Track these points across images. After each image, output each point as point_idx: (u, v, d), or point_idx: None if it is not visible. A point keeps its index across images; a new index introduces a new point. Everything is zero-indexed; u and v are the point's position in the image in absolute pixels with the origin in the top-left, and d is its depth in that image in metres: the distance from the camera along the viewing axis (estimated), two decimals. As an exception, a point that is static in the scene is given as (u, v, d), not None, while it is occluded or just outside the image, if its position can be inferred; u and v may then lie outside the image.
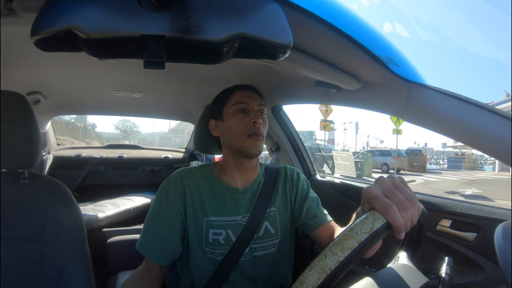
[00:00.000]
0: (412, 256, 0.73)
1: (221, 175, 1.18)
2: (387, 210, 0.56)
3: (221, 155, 1.23)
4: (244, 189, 1.16)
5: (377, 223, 0.55)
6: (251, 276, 1.12)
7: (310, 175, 1.93)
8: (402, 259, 0.70)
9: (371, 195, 0.59)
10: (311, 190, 1.26)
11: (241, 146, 1.10)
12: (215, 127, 1.19)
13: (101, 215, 2.21)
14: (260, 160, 1.28)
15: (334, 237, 0.56)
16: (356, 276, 0.61)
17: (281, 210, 1.19)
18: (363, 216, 0.56)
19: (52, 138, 2.99)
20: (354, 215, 0.73)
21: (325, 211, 1.22)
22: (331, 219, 1.19)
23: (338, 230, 1.12)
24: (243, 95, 1.14)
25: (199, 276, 1.10)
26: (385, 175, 0.65)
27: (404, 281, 0.62)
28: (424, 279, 0.63)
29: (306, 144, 1.97)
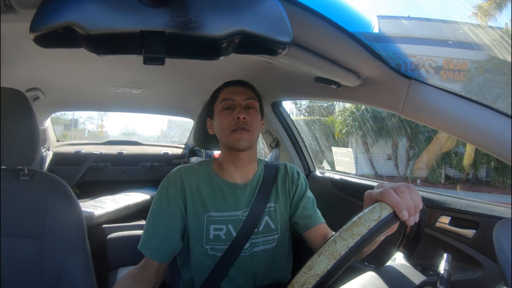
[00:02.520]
0: (410, 254, 0.73)
1: (219, 171, 1.18)
2: (383, 193, 0.61)
3: (220, 151, 1.23)
4: (244, 184, 1.17)
5: (385, 212, 0.57)
6: (251, 271, 1.12)
7: (309, 171, 1.93)
8: (399, 259, 0.71)
9: (369, 193, 0.65)
10: (308, 190, 1.26)
11: (228, 142, 1.12)
12: (211, 126, 1.21)
13: (100, 211, 2.21)
14: (259, 157, 1.28)
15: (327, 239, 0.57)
16: (355, 272, 0.62)
17: (281, 206, 1.19)
18: (371, 207, 0.58)
19: (51, 134, 2.98)
20: None
21: (319, 213, 1.22)
22: (324, 221, 1.20)
23: (331, 233, 1.13)
24: (229, 92, 1.15)
25: (199, 273, 1.10)
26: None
27: (401, 280, 0.62)
28: (421, 277, 0.63)
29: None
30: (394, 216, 0.58)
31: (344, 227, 0.55)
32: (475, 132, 0.78)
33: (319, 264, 0.51)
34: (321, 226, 1.18)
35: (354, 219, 0.56)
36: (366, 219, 0.55)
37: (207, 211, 1.11)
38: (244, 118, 1.09)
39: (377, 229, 0.54)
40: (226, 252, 1.09)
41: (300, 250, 1.45)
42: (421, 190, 1.30)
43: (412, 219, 0.62)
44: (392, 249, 0.76)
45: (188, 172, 1.16)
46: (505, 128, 0.72)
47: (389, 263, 0.71)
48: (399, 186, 0.64)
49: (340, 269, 0.51)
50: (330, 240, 0.54)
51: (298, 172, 1.27)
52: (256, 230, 1.13)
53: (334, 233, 1.08)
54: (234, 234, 1.11)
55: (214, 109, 1.17)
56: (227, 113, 1.12)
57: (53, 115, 2.84)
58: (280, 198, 1.20)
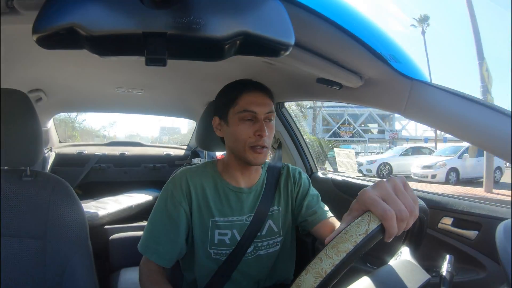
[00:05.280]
0: (416, 248, 0.73)
1: (224, 174, 1.16)
2: (386, 217, 0.54)
3: (223, 152, 1.22)
4: (248, 188, 1.15)
5: (373, 224, 0.54)
6: (254, 274, 1.12)
7: (312, 172, 1.93)
8: (404, 254, 0.70)
9: (369, 199, 0.57)
10: (312, 188, 1.25)
11: (243, 156, 1.07)
12: (219, 126, 1.14)
13: (103, 212, 2.22)
14: None
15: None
16: (357, 274, 0.61)
17: (283, 209, 1.19)
18: (359, 218, 0.55)
19: (54, 135, 2.99)
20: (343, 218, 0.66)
21: (326, 208, 1.21)
22: (332, 215, 1.18)
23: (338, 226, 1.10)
24: (251, 101, 1.06)
25: (202, 275, 1.10)
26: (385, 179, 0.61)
27: (405, 278, 0.61)
28: (426, 276, 0.63)
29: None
30: (382, 229, 0.54)
31: (330, 243, 0.54)
32: (477, 132, 0.77)
33: (306, 282, 0.51)
34: (328, 220, 1.16)
35: (341, 233, 0.53)
36: (353, 234, 0.53)
37: (212, 215, 1.09)
38: (266, 135, 1.04)
39: (364, 244, 0.52)
40: (230, 255, 1.08)
41: (303, 249, 1.45)
42: (423, 191, 1.30)
43: (403, 226, 0.56)
44: (394, 249, 0.75)
45: (193, 175, 1.13)
46: (506, 127, 0.72)
47: (393, 258, 0.70)
48: (403, 212, 0.55)
49: (327, 286, 0.51)
50: (316, 257, 0.53)
51: (299, 172, 1.26)
52: (259, 233, 1.12)
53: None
54: (239, 238, 1.10)
55: (229, 113, 1.08)
56: (247, 125, 1.05)
57: (92, 129, 2.87)
58: (282, 201, 1.19)
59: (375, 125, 30.52)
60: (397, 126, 30.38)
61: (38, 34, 0.52)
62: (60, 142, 3.13)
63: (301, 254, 1.30)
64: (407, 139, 27.06)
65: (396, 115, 27.60)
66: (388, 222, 0.54)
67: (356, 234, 0.53)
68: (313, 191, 1.24)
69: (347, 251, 0.52)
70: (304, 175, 1.27)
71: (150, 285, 1.03)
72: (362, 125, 29.60)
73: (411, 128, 29.68)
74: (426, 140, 25.28)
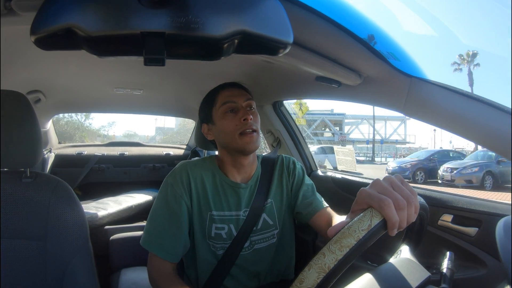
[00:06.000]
0: (416, 246, 0.73)
1: (222, 169, 1.17)
2: (383, 205, 0.54)
3: None
4: (245, 184, 1.16)
5: (375, 220, 0.54)
6: (253, 269, 1.13)
7: (311, 171, 1.93)
8: (404, 253, 0.70)
9: (367, 194, 0.58)
10: (306, 177, 1.25)
11: (236, 146, 1.10)
12: (208, 131, 1.19)
13: (103, 212, 2.21)
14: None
15: (332, 224, 0.55)
16: (358, 271, 0.61)
17: (277, 201, 1.19)
18: (361, 214, 0.55)
19: (53, 136, 2.98)
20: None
21: (321, 198, 1.21)
22: (327, 205, 1.19)
23: (335, 216, 1.10)
24: (228, 94, 1.13)
25: (204, 270, 1.10)
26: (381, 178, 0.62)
27: (405, 276, 0.61)
28: (426, 273, 0.63)
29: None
30: (385, 224, 0.54)
31: (334, 238, 0.53)
32: (476, 128, 0.77)
33: (309, 278, 0.51)
34: (324, 211, 1.16)
35: (343, 229, 0.53)
36: (356, 229, 0.53)
37: (210, 209, 1.11)
38: (250, 119, 1.08)
39: (367, 239, 0.52)
40: (227, 250, 1.09)
41: (303, 248, 1.45)
42: (424, 189, 1.30)
43: (403, 215, 0.56)
44: (395, 246, 0.75)
45: (193, 167, 1.14)
46: (505, 124, 0.72)
47: (393, 257, 0.70)
48: (399, 200, 0.56)
49: (330, 282, 0.51)
50: (319, 252, 0.53)
51: (294, 162, 1.27)
52: (254, 228, 1.13)
53: (338, 216, 1.07)
54: (235, 233, 1.11)
55: (213, 113, 1.14)
56: (230, 116, 1.10)
57: (94, 129, 2.87)
58: (276, 193, 1.20)
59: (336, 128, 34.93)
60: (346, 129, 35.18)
61: (36, 35, 0.52)
62: (59, 143, 3.13)
63: (301, 252, 1.30)
64: (353, 142, 31.06)
65: (346, 120, 33.42)
66: (387, 210, 0.54)
67: (359, 229, 0.53)
68: (308, 180, 1.25)
69: (350, 246, 0.51)
70: (298, 165, 1.28)
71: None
72: (323, 128, 34.11)
73: (365, 131, 34.54)
74: (368, 142, 30.72)
